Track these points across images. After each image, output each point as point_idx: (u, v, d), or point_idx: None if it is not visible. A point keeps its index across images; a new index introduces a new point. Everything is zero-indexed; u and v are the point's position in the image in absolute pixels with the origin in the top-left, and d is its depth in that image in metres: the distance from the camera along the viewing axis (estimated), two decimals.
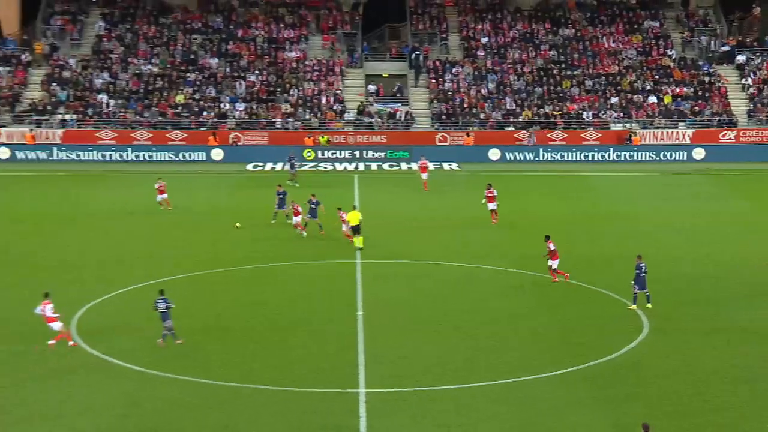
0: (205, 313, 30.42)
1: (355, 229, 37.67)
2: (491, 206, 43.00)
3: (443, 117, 66.41)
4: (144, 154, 61.35)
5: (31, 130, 61.91)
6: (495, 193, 43.02)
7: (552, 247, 33.46)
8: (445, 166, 61.32)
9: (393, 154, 63.00)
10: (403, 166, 60.86)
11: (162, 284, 30.60)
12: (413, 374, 25.40)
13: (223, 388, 24.38)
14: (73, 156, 60.62)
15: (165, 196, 44.27)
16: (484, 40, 71.85)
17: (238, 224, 41.60)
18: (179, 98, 65.62)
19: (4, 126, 62.12)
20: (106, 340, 27.61)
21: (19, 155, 60.26)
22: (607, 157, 63.44)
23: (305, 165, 60.31)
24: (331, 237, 39.39)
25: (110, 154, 61.14)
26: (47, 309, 27.14)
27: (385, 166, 61.59)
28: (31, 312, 27.61)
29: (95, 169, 57.96)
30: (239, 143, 63.11)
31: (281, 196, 42.29)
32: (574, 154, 63.64)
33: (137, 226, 42.12)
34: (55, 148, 60.88)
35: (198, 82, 67.01)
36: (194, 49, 69.32)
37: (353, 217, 37.88)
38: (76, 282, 33.32)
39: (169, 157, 61.39)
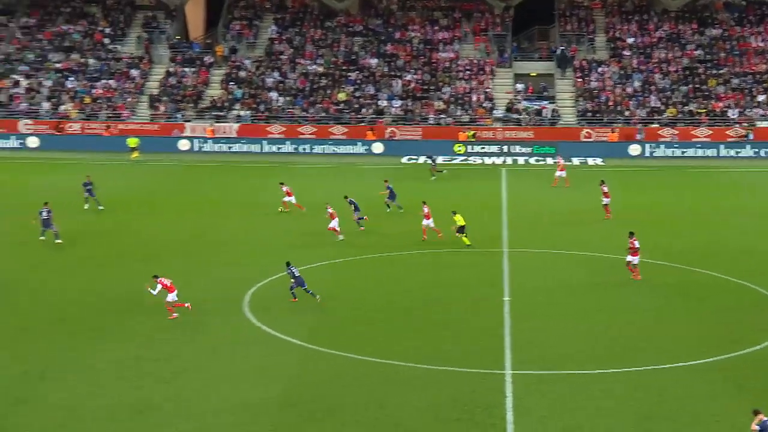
0: (361, 296, 30.78)
1: (461, 230, 36.47)
2: (605, 201, 41.88)
3: (588, 114, 65.05)
4: (308, 147, 62.63)
5: (211, 124, 64.11)
6: (605, 190, 41.83)
7: (636, 244, 31.95)
8: (590, 161, 60.14)
9: (539, 149, 62.12)
10: (549, 160, 59.94)
11: (322, 267, 31.07)
12: (557, 359, 24.98)
13: (377, 364, 24.58)
14: (246, 148, 62.39)
15: (292, 198, 42.94)
16: (630, 40, 69.94)
17: (280, 209, 42.02)
18: (341, 96, 66.60)
19: (189, 121, 64.54)
20: (273, 316, 28.29)
21: (202, 147, 62.48)
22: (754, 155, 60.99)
23: (456, 159, 60.30)
24: (474, 229, 38.97)
25: (279, 147, 62.67)
26: (165, 282, 28.01)
27: (532, 160, 60.82)
28: (221, 288, 28.48)
29: (266, 161, 59.51)
30: (395, 138, 63.59)
31: (389, 190, 42.45)
32: (716, 150, 61.38)
33: (302, 213, 42.92)
34: (231, 141, 62.87)
35: (358, 81, 67.84)
36: (355, 50, 70.19)
37: (460, 219, 36.59)
38: (253, 262, 34.25)
39: (331, 150, 62.41)
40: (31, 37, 69.16)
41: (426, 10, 73.53)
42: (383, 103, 66.29)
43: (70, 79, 66.32)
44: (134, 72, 67.48)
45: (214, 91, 67.36)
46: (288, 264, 29.57)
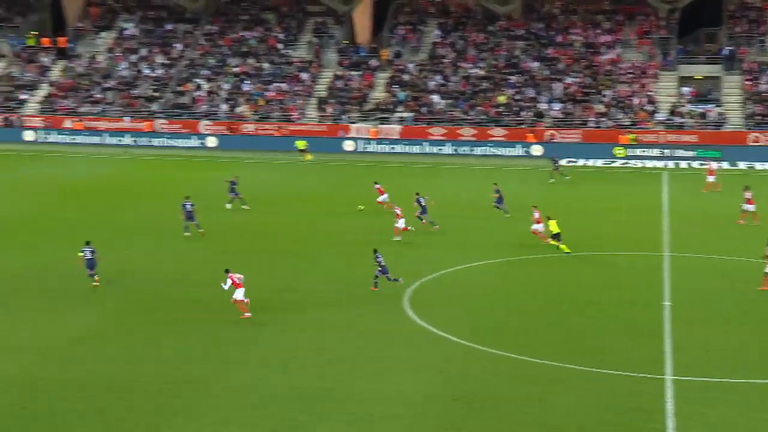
0: (519, 296, 30.31)
1: (556, 236, 34.98)
2: (750, 208, 39.82)
3: (757, 117, 61.77)
4: (467, 149, 62.36)
5: (375, 126, 64.89)
6: (748, 196, 39.86)
7: None
8: (758, 165, 57.10)
9: (703, 153, 59.48)
10: (713, 165, 57.29)
11: (480, 267, 30.75)
12: (718, 365, 23.80)
13: (534, 364, 24.13)
14: (407, 149, 62.73)
15: (385, 197, 41.98)
16: None
17: (361, 207, 41.08)
18: (501, 98, 65.99)
19: (354, 122, 65.55)
20: (432, 313, 28.23)
21: (366, 147, 63.33)
22: None
23: (616, 162, 58.59)
24: (633, 232, 37.53)
25: (440, 148, 62.71)
26: (235, 278, 27.50)
27: (695, 164, 58.33)
28: (381, 284, 28.77)
29: (426, 161, 59.66)
30: (554, 140, 62.43)
31: (498, 194, 41.27)
32: None
33: (462, 212, 42.66)
34: (394, 142, 63.40)
35: (518, 84, 67.02)
36: (517, 54, 69.37)
37: (554, 225, 35.17)
38: (414, 259, 34.34)
39: (490, 152, 61.89)
40: (212, 43, 72.03)
41: (588, 13, 71.83)
42: (543, 106, 65.23)
43: (246, 82, 68.65)
44: (304, 75, 69.16)
45: (379, 94, 68.13)
46: (375, 251, 29.85)
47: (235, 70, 69.49)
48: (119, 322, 27.59)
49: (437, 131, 64.05)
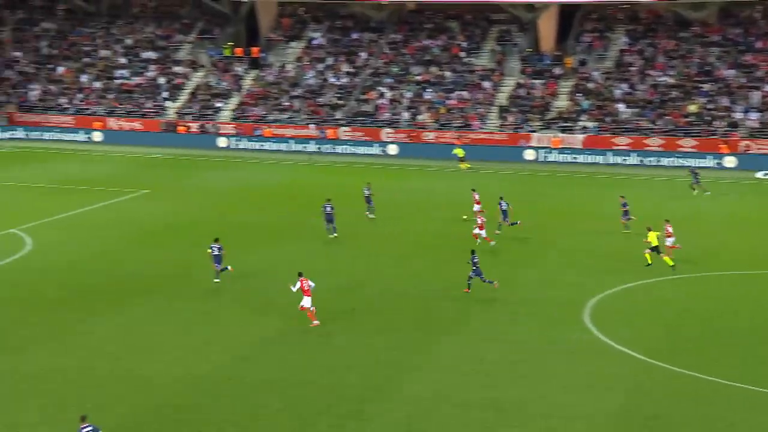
0: (702, 314, 28.87)
1: (655, 249, 33.41)
2: None
3: None
4: (654, 159, 60.15)
5: (557, 135, 63.78)
6: None
7: None
8: None
9: None
10: None
11: (658, 283, 29.50)
12: None
13: (721, 385, 22.90)
14: (590, 159, 61.23)
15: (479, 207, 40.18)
16: None
17: (465, 216, 40.88)
18: (692, 108, 63.22)
19: (535, 131, 64.70)
20: (613, 328, 27.37)
21: (547, 157, 62.32)
22: None
23: None
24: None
25: (624, 159, 60.82)
26: (305, 284, 27.55)
27: None
28: (565, 294, 28.19)
29: (610, 172, 58.02)
30: (749, 151, 59.17)
31: (625, 207, 39.71)
32: None
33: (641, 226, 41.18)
34: (576, 152, 62.07)
35: (711, 93, 64.01)
36: (710, 61, 66.32)
37: (653, 237, 33.59)
38: (597, 272, 33.48)
39: (679, 163, 59.43)
40: (396, 51, 73.13)
41: None
42: (738, 116, 61.96)
43: (427, 90, 69.22)
44: (486, 84, 68.96)
45: (562, 103, 66.94)
46: (473, 252, 30.53)
47: (418, 78, 70.20)
48: (305, 325, 28.34)
49: (622, 141, 62.17)
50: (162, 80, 72.64)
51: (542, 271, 34.07)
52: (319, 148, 65.27)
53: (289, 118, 68.58)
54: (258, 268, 34.50)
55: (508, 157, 61.88)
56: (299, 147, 65.45)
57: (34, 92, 72.20)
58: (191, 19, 78.30)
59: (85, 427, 18.92)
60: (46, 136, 68.45)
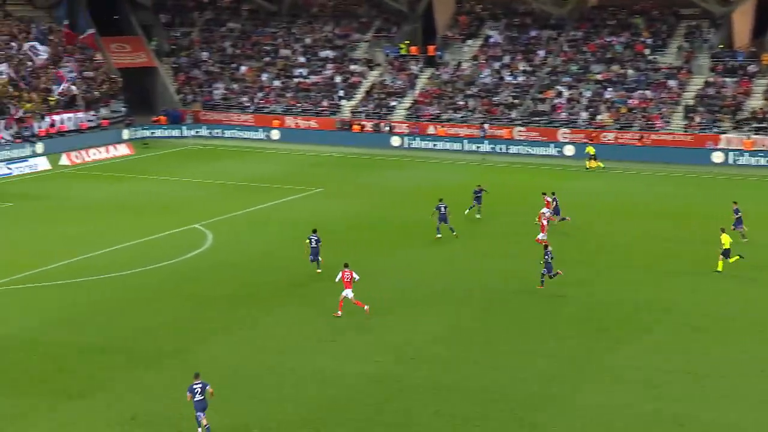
0: None
1: (726, 253, 33.11)
2: None
3: None
4: None
5: (749, 136, 60.15)
6: None
7: None
8: None
9: None
10: None
11: None
12: None
13: None
14: None
15: (548, 211, 39.15)
16: None
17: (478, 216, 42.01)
18: None
19: (725, 132, 61.33)
20: None
21: (737, 160, 58.96)
22: None
23: None
24: None
25: None
26: (346, 275, 28.45)
27: None
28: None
29: None
30: None
31: (738, 215, 37.96)
32: None
33: None
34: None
35: None
36: None
37: (726, 240, 33.33)
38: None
39: None
40: (576, 49, 71.27)
41: None
42: None
43: (608, 89, 67.01)
44: (672, 82, 66.01)
45: (756, 102, 63.08)
46: (546, 247, 31.40)
47: (598, 77, 68.09)
48: (469, 326, 27.86)
49: None
50: (338, 79, 73.97)
51: (733, 284, 32.00)
52: (492, 148, 64.48)
53: (463, 117, 68.16)
54: (428, 266, 34.32)
55: (693, 160, 58.99)
56: (473, 147, 64.87)
57: (218, 91, 75.23)
58: (368, 18, 79.35)
59: (197, 383, 20.98)
60: (228, 133, 71.11)
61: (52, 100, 65.71)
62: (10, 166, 55.79)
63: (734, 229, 37.30)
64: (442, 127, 67.17)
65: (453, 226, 38.78)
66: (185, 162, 60.64)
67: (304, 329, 28.17)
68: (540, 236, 37.11)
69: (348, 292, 28.60)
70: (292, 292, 31.98)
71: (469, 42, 74.63)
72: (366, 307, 28.57)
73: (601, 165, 57.68)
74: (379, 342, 26.88)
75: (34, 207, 46.19)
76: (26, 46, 64.21)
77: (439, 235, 38.75)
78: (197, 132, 70.96)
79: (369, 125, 69.31)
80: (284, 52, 77.78)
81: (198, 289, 32.33)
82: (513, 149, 64.26)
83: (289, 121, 71.35)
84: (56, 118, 64.86)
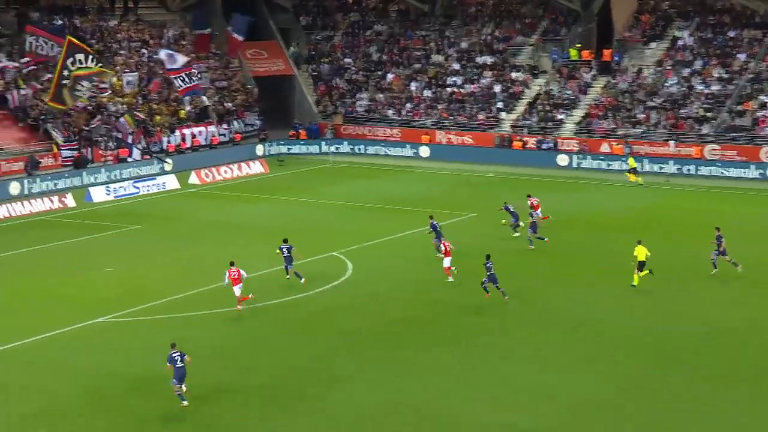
0: None
1: (641, 265, 35.92)
2: None
3: None
4: None
5: None
6: None
7: None
8: None
9: None
10: None
11: None
12: None
13: None
14: None
15: (538, 212, 44.97)
16: None
17: (504, 221, 45.48)
18: None
19: None
20: None
21: None
22: None
23: None
24: None
25: None
26: (231, 273, 34.08)
27: None
28: None
29: None
30: None
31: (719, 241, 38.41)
32: None
33: None
34: None
35: None
36: None
37: (640, 252, 35.96)
38: None
39: None
40: None
41: None
42: None
43: None
44: None
45: None
46: (488, 257, 35.13)
47: None
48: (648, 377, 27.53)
49: None
50: (497, 88, 74.34)
51: None
52: (679, 169, 63.22)
53: (643, 133, 67.16)
54: (602, 303, 34.18)
55: None
56: (655, 167, 63.77)
57: (362, 102, 76.85)
58: (534, 18, 79.46)
59: (174, 353, 26.12)
60: (371, 150, 72.48)
61: (182, 113, 68.95)
62: (137, 184, 58.82)
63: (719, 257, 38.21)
64: (618, 144, 66.34)
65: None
66: (323, 181, 62.30)
67: (459, 371, 28.62)
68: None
69: (237, 289, 34.40)
70: (443, 330, 32.46)
71: (653, 45, 73.57)
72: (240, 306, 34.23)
73: (640, 181, 59.14)
74: (539, 388, 27.06)
75: (162, 229, 48.49)
76: (160, 53, 67.57)
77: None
78: (337, 148, 72.76)
79: (532, 141, 69.29)
80: (436, 58, 78.85)
81: (340, 324, 33.24)
82: (703, 170, 62.82)
83: (440, 136, 72.20)
84: (186, 132, 68.03)
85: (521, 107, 72.73)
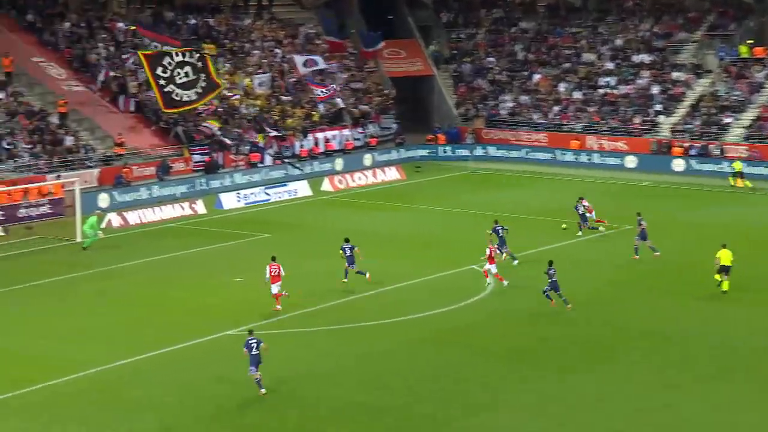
0: None
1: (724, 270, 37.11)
2: None
3: None
4: None
5: None
6: None
7: None
8: None
9: None
10: None
11: None
12: None
13: None
14: None
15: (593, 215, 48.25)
16: None
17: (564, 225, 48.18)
18: None
19: None
20: None
21: None
22: None
23: None
24: None
25: None
26: (272, 270, 35.78)
27: None
28: None
29: None
30: None
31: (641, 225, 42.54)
32: None
33: None
34: None
35: None
36: None
37: (724, 256, 37.11)
38: None
39: None
40: None
41: None
42: None
43: None
44: None
45: None
46: (550, 263, 36.23)
47: None
48: None
49: None
50: (656, 89, 73.22)
51: None
52: None
53: None
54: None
55: None
56: None
57: (505, 104, 76.80)
58: (699, 12, 77.95)
59: (251, 340, 28.24)
60: (514, 155, 72.38)
61: (315, 116, 70.28)
62: (268, 191, 60.25)
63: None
64: None
65: None
66: (463, 189, 62.51)
67: (612, 395, 28.49)
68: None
69: (275, 287, 36.18)
70: (589, 351, 32.47)
71: None
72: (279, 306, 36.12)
73: (749, 184, 59.69)
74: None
75: (293, 239, 49.51)
76: (298, 59, 69.15)
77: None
78: (479, 154, 72.89)
79: (695, 148, 67.89)
80: (588, 56, 78.17)
81: (480, 343, 33.43)
82: None
83: (591, 141, 71.58)
84: (319, 135, 69.32)
85: (682, 110, 71.42)
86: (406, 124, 74.82)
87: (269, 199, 59.66)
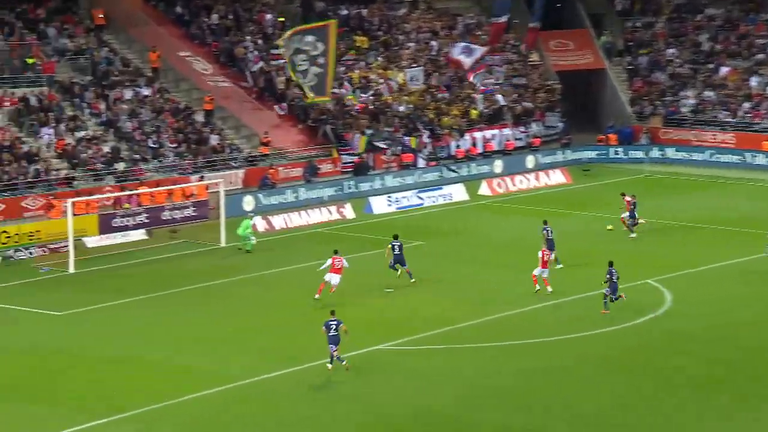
0: None
1: None
2: None
3: None
4: None
5: None
6: None
7: None
8: None
9: None
10: None
11: None
12: None
13: None
14: None
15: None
16: None
17: (610, 226, 50.50)
18: None
19: None
20: None
21: None
22: None
23: None
24: None
25: None
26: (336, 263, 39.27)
27: None
28: None
29: None
30: None
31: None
32: None
33: None
34: None
35: None
36: None
37: None
38: None
39: None
40: None
41: None
42: None
43: None
44: None
45: None
46: (610, 264, 37.65)
47: None
48: None
49: None
50: None
51: None
52: None
53: None
54: None
55: None
56: None
57: (687, 101, 75.13)
58: None
59: (331, 321, 31.72)
60: (697, 157, 70.82)
61: (474, 113, 70.20)
62: (421, 195, 60.50)
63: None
64: None
65: None
66: (637, 194, 61.37)
67: None
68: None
69: (336, 278, 39.37)
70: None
71: None
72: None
73: None
74: None
75: (448, 247, 49.62)
76: (455, 47, 69.09)
77: None
78: (656, 155, 71.63)
79: None
80: None
81: (656, 366, 33.09)
82: None
83: None
84: (477, 135, 69.23)
85: None
86: (574, 123, 74.01)
87: (422, 204, 59.93)
